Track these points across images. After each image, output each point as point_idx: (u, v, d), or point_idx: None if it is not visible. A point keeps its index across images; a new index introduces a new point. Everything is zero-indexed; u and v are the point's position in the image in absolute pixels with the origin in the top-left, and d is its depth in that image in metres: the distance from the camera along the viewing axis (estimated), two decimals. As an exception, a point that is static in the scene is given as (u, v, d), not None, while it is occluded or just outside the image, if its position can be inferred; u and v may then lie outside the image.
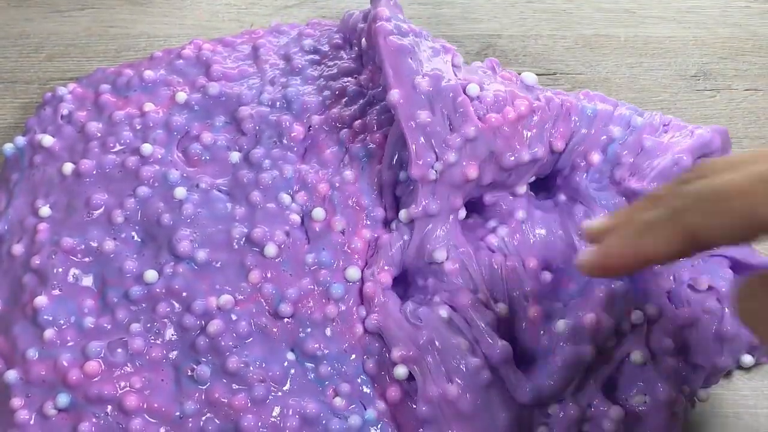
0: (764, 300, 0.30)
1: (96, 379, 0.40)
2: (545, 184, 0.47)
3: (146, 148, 0.45)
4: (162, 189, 0.44)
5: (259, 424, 0.40)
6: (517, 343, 0.43)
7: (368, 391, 0.42)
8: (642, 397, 0.42)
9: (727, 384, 0.46)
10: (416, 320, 0.41)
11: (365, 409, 0.41)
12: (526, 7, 0.57)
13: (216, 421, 0.40)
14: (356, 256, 0.43)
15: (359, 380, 0.42)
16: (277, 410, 0.40)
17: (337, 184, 0.45)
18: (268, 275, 0.42)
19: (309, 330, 0.42)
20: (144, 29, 0.56)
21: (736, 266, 0.46)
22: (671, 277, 0.44)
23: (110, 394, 0.40)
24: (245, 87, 0.48)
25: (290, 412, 0.40)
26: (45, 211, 0.44)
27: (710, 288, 0.44)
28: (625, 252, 0.33)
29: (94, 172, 0.45)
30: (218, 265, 0.42)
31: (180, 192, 0.44)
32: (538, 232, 0.45)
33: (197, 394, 0.40)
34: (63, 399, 0.40)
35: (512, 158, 0.43)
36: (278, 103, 0.47)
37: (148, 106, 0.47)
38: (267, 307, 0.42)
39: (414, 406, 0.40)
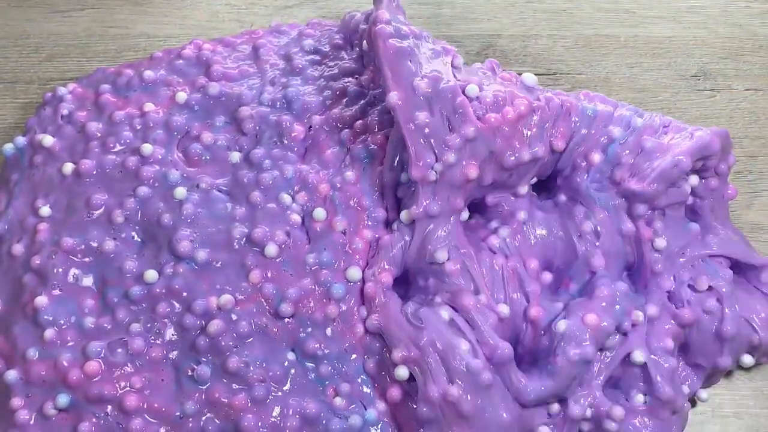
0: None
1: (96, 379, 0.40)
2: (546, 184, 0.47)
3: (146, 148, 0.45)
4: (162, 189, 0.44)
5: (260, 424, 0.40)
6: (518, 343, 0.43)
7: (368, 391, 0.42)
8: (642, 397, 0.42)
9: (727, 384, 0.46)
10: (417, 321, 0.41)
11: (365, 409, 0.41)
12: (526, 7, 0.57)
13: (216, 421, 0.40)
14: (357, 257, 0.43)
15: (360, 380, 0.42)
16: (277, 410, 0.40)
17: (339, 185, 0.45)
18: (269, 275, 0.42)
19: (309, 330, 0.42)
20: (144, 29, 0.56)
21: (736, 266, 0.46)
22: (671, 277, 0.44)
23: (110, 394, 0.40)
24: (245, 87, 0.48)
25: (290, 412, 0.40)
26: (45, 211, 0.44)
27: (710, 288, 0.44)
28: None
29: (94, 172, 0.45)
30: (218, 265, 0.42)
31: (180, 192, 0.44)
32: (539, 233, 0.45)
33: (197, 394, 0.40)
34: (63, 399, 0.40)
35: (512, 158, 0.43)
36: (278, 103, 0.47)
37: (148, 106, 0.47)
38: (267, 307, 0.42)
39: (414, 407, 0.40)
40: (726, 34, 0.56)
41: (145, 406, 0.40)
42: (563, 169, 0.46)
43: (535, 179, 0.46)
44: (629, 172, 0.44)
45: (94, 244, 0.43)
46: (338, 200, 0.44)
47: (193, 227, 0.43)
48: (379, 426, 0.41)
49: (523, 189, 0.45)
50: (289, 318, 0.42)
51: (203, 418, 0.40)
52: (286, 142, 0.46)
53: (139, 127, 0.47)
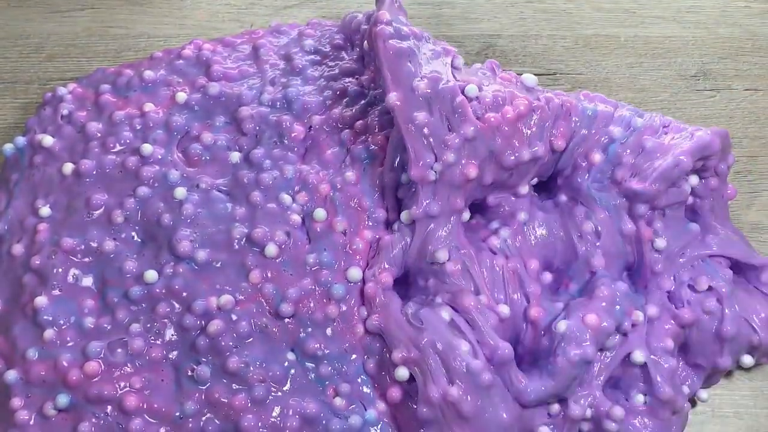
0: None
1: (96, 379, 0.40)
2: (546, 185, 0.47)
3: (146, 148, 0.45)
4: (162, 189, 0.44)
5: (259, 424, 0.40)
6: (519, 344, 0.43)
7: (368, 391, 0.42)
8: (642, 397, 0.42)
9: (727, 384, 0.46)
10: (417, 322, 0.41)
11: (365, 409, 0.41)
12: (526, 7, 0.57)
13: (216, 421, 0.40)
14: (358, 257, 0.43)
15: (360, 380, 0.42)
16: (277, 410, 0.40)
17: (339, 185, 0.45)
18: (269, 275, 0.42)
19: (310, 330, 0.42)
20: (144, 29, 0.56)
21: (736, 266, 0.46)
22: (671, 278, 0.44)
23: (110, 395, 0.40)
24: (245, 87, 0.48)
25: (290, 412, 0.40)
26: (45, 211, 0.44)
27: (710, 288, 0.44)
28: None
29: (94, 172, 0.45)
30: (218, 265, 0.42)
31: (180, 192, 0.44)
32: (539, 233, 0.45)
33: (197, 395, 0.40)
34: (63, 399, 0.40)
35: (512, 157, 0.43)
36: (279, 104, 0.47)
37: (148, 107, 0.47)
38: (267, 307, 0.42)
39: (414, 407, 0.40)
40: (726, 34, 0.56)
41: (145, 406, 0.40)
42: (564, 169, 0.46)
43: (535, 180, 0.46)
44: (630, 171, 0.44)
45: (94, 245, 0.43)
46: (338, 201, 0.44)
47: (193, 227, 0.43)
48: (379, 426, 0.41)
49: (524, 189, 0.45)
50: (289, 318, 0.42)
51: (203, 418, 0.40)
52: (286, 142, 0.46)
53: (139, 127, 0.47)
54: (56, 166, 0.46)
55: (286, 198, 0.44)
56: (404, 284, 0.44)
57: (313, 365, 0.42)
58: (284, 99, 0.47)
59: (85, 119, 0.47)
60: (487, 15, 0.57)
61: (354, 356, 0.42)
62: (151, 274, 0.42)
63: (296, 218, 0.44)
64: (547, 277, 0.44)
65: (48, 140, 0.46)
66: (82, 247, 0.43)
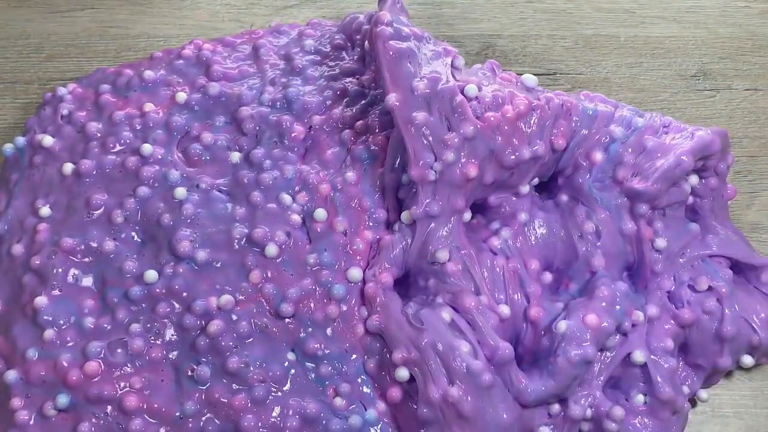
0: None
1: (96, 379, 0.40)
2: (547, 185, 0.47)
3: (146, 148, 0.45)
4: (162, 189, 0.44)
5: (259, 424, 0.40)
6: (519, 344, 0.43)
7: (369, 391, 0.42)
8: (642, 397, 0.42)
9: (727, 384, 0.46)
10: (418, 322, 0.41)
11: (365, 409, 0.41)
12: (526, 7, 0.57)
13: (216, 421, 0.40)
14: (358, 257, 0.43)
15: (360, 380, 0.42)
16: (277, 410, 0.40)
17: (339, 185, 0.45)
18: (269, 275, 0.42)
19: (310, 330, 0.42)
20: (144, 29, 0.56)
21: (736, 266, 0.46)
22: (671, 278, 0.44)
23: (110, 395, 0.40)
24: (245, 87, 0.48)
25: (290, 412, 0.40)
26: (45, 211, 0.44)
27: (710, 288, 0.44)
28: None
29: (94, 173, 0.45)
30: (218, 265, 0.42)
31: (180, 192, 0.44)
32: (540, 233, 0.45)
33: (197, 395, 0.40)
34: (63, 399, 0.40)
35: (513, 156, 0.43)
36: (279, 104, 0.47)
37: (148, 107, 0.47)
38: (268, 307, 0.42)
39: (415, 407, 0.40)
40: (726, 34, 0.56)
41: (145, 406, 0.40)
42: (564, 169, 0.46)
43: (536, 180, 0.46)
44: (632, 171, 0.44)
45: (94, 245, 0.43)
46: (339, 201, 0.44)
47: (193, 227, 0.43)
48: (379, 426, 0.41)
49: (525, 189, 0.45)
50: (289, 318, 0.42)
51: (203, 418, 0.40)
52: (286, 142, 0.46)
53: (139, 127, 0.47)
54: (56, 166, 0.46)
55: (287, 198, 0.44)
56: (405, 284, 0.44)
57: (314, 365, 0.42)
58: (284, 99, 0.47)
59: (85, 119, 0.47)
60: (487, 15, 0.57)
61: (354, 356, 0.42)
62: (151, 274, 0.42)
63: (296, 218, 0.44)
64: (548, 277, 0.44)
65: (48, 140, 0.46)
66: (82, 247, 0.43)
